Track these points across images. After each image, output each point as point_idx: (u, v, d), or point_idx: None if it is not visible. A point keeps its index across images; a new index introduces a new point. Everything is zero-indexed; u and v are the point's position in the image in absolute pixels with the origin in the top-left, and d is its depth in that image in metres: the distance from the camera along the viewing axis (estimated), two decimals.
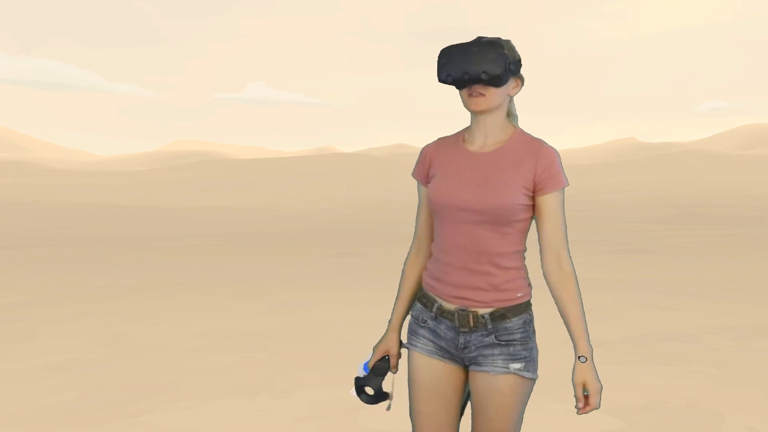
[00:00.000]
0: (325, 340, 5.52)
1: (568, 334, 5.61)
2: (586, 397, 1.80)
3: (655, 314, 6.45)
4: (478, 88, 1.79)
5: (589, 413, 3.71)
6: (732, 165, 59.97)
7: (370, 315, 6.42)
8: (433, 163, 1.94)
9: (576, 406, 1.81)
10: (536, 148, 1.82)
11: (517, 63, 1.82)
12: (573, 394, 4.07)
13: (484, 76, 1.76)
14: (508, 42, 1.84)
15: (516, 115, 1.92)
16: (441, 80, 1.82)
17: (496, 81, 1.77)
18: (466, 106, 1.83)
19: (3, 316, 6.68)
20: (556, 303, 1.85)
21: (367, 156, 68.75)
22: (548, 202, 1.81)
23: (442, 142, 1.96)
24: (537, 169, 1.80)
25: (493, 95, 1.80)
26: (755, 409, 3.78)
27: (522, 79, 1.87)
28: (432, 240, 2.01)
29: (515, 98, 1.93)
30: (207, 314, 6.66)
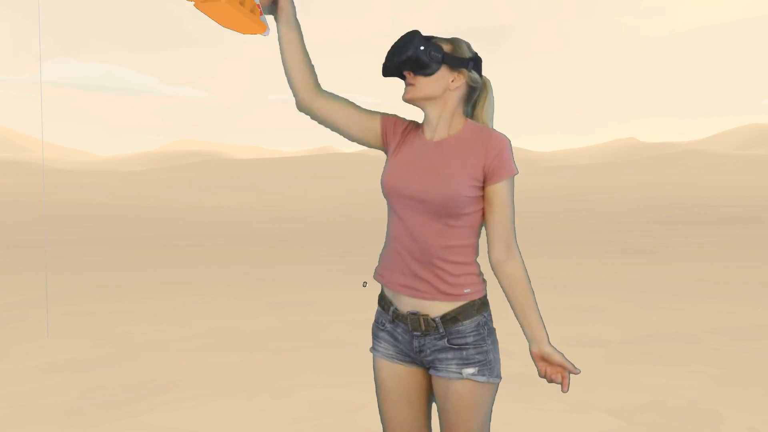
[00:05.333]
0: (325, 340, 5.52)
1: (579, 334, 5.60)
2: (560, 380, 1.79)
3: (655, 314, 6.44)
4: (410, 78, 1.82)
5: (590, 414, 3.71)
6: (732, 165, 59.96)
7: (370, 315, 6.41)
8: (397, 138, 1.91)
9: (558, 382, 1.79)
10: (486, 136, 1.79)
11: (448, 54, 1.79)
12: (560, 392, 4.08)
13: (395, 59, 1.78)
14: (452, 39, 1.84)
15: (487, 121, 1.89)
16: (383, 75, 1.87)
17: (417, 66, 1.78)
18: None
19: (3, 316, 6.68)
20: (507, 294, 1.80)
21: (367, 156, 68.73)
22: (498, 191, 1.77)
23: (414, 125, 1.93)
24: (486, 158, 1.76)
25: (422, 85, 1.80)
26: (755, 409, 3.78)
27: (467, 76, 1.83)
28: (328, 103, 1.90)
29: (496, 105, 1.96)
30: (207, 314, 6.66)
